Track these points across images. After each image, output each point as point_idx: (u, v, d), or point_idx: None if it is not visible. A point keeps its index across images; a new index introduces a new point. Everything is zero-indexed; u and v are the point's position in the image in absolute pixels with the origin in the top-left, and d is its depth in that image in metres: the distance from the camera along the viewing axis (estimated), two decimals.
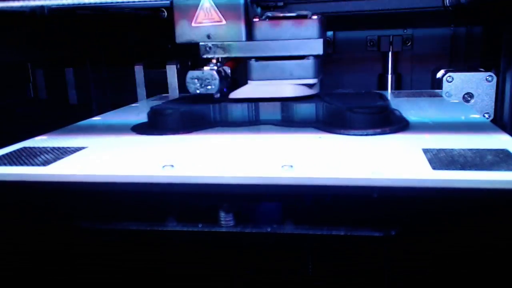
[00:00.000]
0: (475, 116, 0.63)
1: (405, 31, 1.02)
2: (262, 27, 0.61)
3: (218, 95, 0.63)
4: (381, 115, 0.57)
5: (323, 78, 0.67)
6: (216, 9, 0.61)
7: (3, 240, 0.47)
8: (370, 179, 0.40)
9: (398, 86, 1.03)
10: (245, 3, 0.61)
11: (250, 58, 0.63)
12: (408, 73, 1.04)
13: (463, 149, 0.45)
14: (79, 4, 0.77)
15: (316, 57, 0.61)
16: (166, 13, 1.03)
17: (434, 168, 0.41)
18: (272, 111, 0.63)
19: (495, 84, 0.88)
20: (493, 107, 0.90)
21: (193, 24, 0.62)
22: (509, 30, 0.84)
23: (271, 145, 0.52)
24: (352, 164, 0.44)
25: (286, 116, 0.62)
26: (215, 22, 0.61)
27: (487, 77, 0.88)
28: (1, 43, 0.90)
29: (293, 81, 0.62)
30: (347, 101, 0.59)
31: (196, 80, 0.61)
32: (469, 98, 0.89)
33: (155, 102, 0.80)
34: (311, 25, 0.61)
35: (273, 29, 0.61)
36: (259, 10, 0.69)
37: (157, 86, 1.06)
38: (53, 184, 0.44)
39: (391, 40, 1.01)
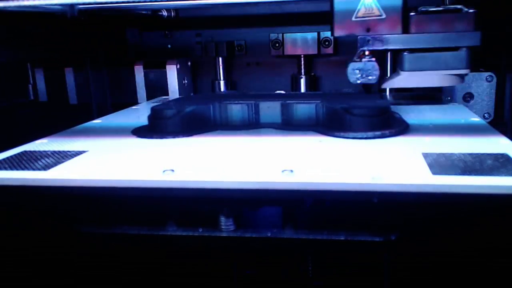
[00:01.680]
0: (475, 119, 0.63)
1: None
2: (419, 20, 0.65)
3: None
4: (380, 118, 0.57)
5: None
6: (377, 4, 0.65)
7: (3, 245, 0.47)
8: (370, 184, 0.40)
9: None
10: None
11: (405, 50, 0.66)
12: None
13: (463, 154, 0.46)
14: (82, 3, 0.77)
15: (468, 48, 0.65)
16: (165, 13, 1.03)
17: (434, 173, 0.40)
18: (272, 112, 0.63)
19: (495, 84, 0.88)
20: (493, 107, 0.90)
21: (353, 19, 0.67)
22: (509, 30, 0.84)
23: (271, 149, 0.52)
24: (352, 168, 0.44)
25: (286, 118, 0.62)
26: (374, 16, 0.66)
27: (487, 77, 0.88)
28: (1, 43, 0.90)
29: (446, 72, 0.66)
30: (347, 102, 0.59)
31: (357, 71, 0.66)
32: (469, 98, 0.89)
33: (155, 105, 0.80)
34: (468, 18, 0.64)
35: (429, 22, 0.65)
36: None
37: (157, 86, 1.06)
38: (54, 188, 0.44)
39: None
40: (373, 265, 0.43)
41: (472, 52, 0.66)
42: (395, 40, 0.66)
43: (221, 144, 0.55)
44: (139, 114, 0.76)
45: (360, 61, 0.66)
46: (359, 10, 0.65)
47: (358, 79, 0.66)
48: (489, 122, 0.87)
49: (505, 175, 0.39)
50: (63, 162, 0.48)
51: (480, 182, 0.39)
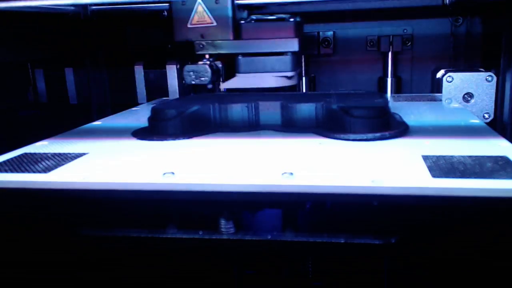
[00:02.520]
0: (475, 121, 0.63)
1: (405, 31, 1.01)
2: (247, 28, 0.75)
3: (211, 85, 0.75)
4: (380, 119, 0.57)
5: (301, 71, 0.83)
6: (208, 12, 0.74)
7: (3, 247, 0.47)
8: (370, 187, 0.40)
9: (398, 88, 1.03)
10: (232, 8, 0.74)
11: (237, 54, 0.75)
12: (408, 73, 1.04)
13: (463, 156, 0.46)
14: (78, 4, 0.77)
15: (293, 53, 0.74)
16: (166, 13, 1.03)
17: (434, 176, 0.41)
18: (272, 113, 0.63)
19: (495, 84, 0.89)
20: (493, 107, 0.90)
21: (189, 25, 0.75)
22: (509, 30, 0.84)
23: (271, 151, 0.53)
24: (352, 171, 0.44)
25: (286, 120, 0.62)
26: (206, 24, 0.74)
27: (487, 77, 0.88)
28: (1, 43, 0.90)
29: (274, 74, 0.75)
30: (347, 103, 0.59)
31: (191, 73, 0.74)
32: (469, 98, 0.90)
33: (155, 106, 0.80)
34: (288, 27, 0.74)
35: (256, 30, 0.74)
36: (245, 13, 0.80)
37: (157, 86, 1.06)
38: (54, 191, 0.45)
39: (391, 40, 1.01)
40: (373, 268, 0.43)
41: (297, 56, 0.75)
42: (227, 45, 0.74)
43: (221, 146, 0.55)
44: (139, 116, 0.76)
45: (195, 63, 0.74)
46: (192, 17, 0.74)
47: (192, 80, 0.74)
48: (488, 122, 0.88)
49: (505, 178, 0.39)
50: (63, 164, 0.49)
51: (480, 185, 0.39)
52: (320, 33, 1.02)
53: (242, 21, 0.74)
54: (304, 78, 1.06)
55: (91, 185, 0.44)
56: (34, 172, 0.46)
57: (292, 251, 0.44)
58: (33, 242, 0.47)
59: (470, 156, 0.45)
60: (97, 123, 0.72)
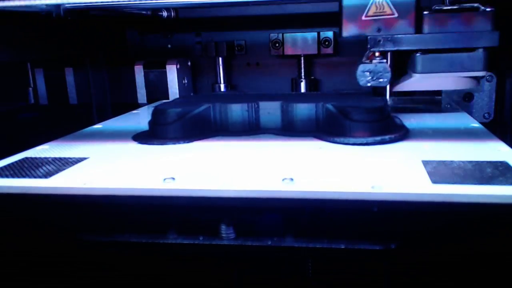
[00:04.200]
0: (475, 125, 0.63)
1: None
2: (433, 19, 0.61)
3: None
4: (380, 123, 0.57)
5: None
6: (388, 2, 0.62)
7: (4, 253, 0.47)
8: (371, 193, 0.40)
9: None
10: None
11: (417, 51, 0.63)
12: None
13: (463, 161, 0.46)
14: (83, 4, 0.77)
15: (485, 49, 0.62)
16: (165, 13, 1.03)
17: (434, 182, 0.41)
18: (272, 116, 0.63)
19: (495, 84, 0.88)
20: (493, 107, 0.90)
21: (363, 18, 0.63)
22: (509, 30, 0.84)
23: (271, 155, 0.53)
24: (352, 177, 0.44)
25: (286, 123, 0.62)
26: (386, 15, 0.62)
27: (487, 77, 0.88)
28: (1, 43, 0.90)
29: (460, 74, 0.63)
30: (347, 107, 0.59)
31: (368, 73, 0.62)
32: (468, 99, 0.89)
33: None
34: (485, 17, 0.61)
35: (443, 22, 0.61)
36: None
37: (157, 86, 1.06)
38: (55, 196, 0.45)
39: None
40: (373, 273, 0.43)
41: (488, 53, 0.62)
42: (407, 40, 0.62)
43: (222, 151, 0.55)
44: (140, 119, 0.76)
45: (370, 62, 0.63)
46: (369, 8, 0.62)
47: (368, 81, 0.63)
48: (489, 123, 0.88)
49: (505, 184, 0.39)
50: (64, 169, 0.49)
51: (479, 191, 0.39)
52: (321, 33, 1.02)
53: (426, 12, 0.62)
54: (304, 82, 1.06)
55: (92, 190, 0.44)
56: (35, 177, 0.46)
57: (293, 257, 0.44)
58: (34, 248, 0.47)
59: (470, 162, 0.46)
60: (97, 126, 0.72)
